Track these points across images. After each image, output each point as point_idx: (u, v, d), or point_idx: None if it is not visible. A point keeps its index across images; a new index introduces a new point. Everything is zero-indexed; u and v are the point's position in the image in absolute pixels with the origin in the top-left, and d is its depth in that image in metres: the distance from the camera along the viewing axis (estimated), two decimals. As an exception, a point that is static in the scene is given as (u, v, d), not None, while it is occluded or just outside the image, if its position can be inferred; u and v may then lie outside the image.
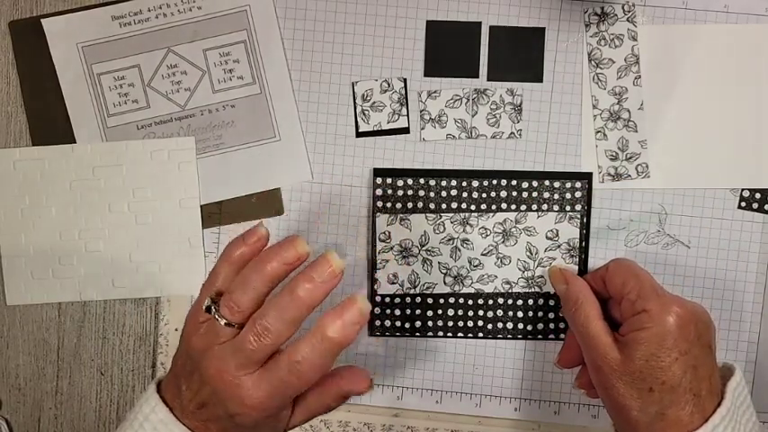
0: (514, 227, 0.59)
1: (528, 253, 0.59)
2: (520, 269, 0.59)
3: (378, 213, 0.59)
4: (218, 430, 0.51)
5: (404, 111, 0.60)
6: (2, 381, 0.62)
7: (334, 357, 0.47)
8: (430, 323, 0.60)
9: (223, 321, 0.48)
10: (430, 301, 0.60)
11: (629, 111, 0.59)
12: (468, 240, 0.59)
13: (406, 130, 0.60)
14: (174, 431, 0.51)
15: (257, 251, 0.51)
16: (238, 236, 0.51)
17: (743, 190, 0.59)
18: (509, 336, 0.60)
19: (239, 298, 0.48)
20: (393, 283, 0.59)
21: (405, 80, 0.59)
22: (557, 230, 0.59)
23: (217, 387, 0.48)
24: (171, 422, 0.51)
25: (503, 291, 0.59)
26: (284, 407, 0.50)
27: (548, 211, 0.59)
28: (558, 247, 0.59)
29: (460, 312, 0.60)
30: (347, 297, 0.47)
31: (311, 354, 0.46)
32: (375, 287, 0.59)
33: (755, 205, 0.59)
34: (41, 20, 0.59)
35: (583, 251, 0.59)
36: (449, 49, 0.59)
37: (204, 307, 0.50)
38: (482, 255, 0.59)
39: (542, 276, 0.59)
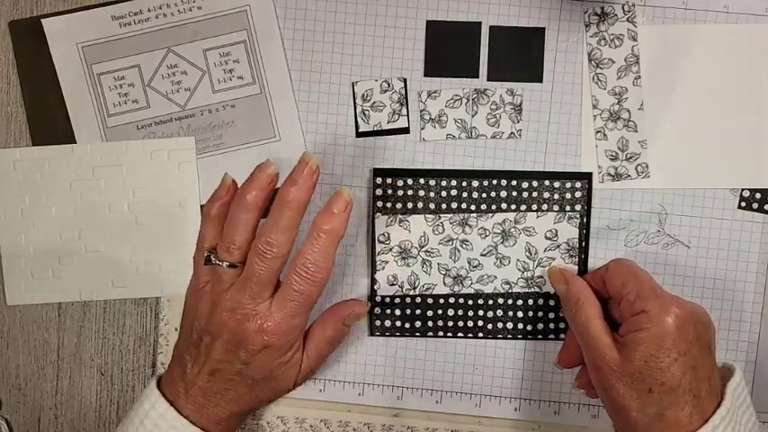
0: (513, 227, 0.59)
1: (527, 253, 0.59)
2: (519, 269, 0.59)
3: (377, 214, 0.59)
4: (228, 401, 0.53)
5: (404, 111, 0.59)
6: (2, 381, 0.62)
7: (334, 250, 0.51)
8: (430, 323, 0.60)
9: (225, 264, 0.52)
10: (430, 301, 0.60)
11: (629, 111, 0.59)
12: (467, 241, 0.59)
13: (406, 130, 0.60)
14: (176, 425, 0.51)
15: (231, 199, 0.54)
16: (211, 196, 0.55)
17: (743, 190, 0.59)
18: (509, 336, 0.60)
19: (232, 237, 0.52)
20: (393, 285, 0.59)
21: (405, 80, 0.59)
22: (556, 230, 0.59)
23: (231, 330, 0.51)
24: (172, 417, 0.51)
25: (502, 291, 0.59)
26: (302, 327, 0.53)
27: (547, 211, 0.59)
28: (558, 247, 0.59)
29: (460, 312, 0.60)
30: (335, 192, 0.52)
31: (314, 251, 0.51)
32: (375, 288, 0.59)
33: (755, 205, 0.59)
34: (41, 20, 0.59)
35: (582, 251, 0.59)
36: (449, 49, 0.59)
37: (204, 260, 0.53)
38: (481, 255, 0.59)
39: (542, 277, 0.59)
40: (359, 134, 0.60)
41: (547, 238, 0.59)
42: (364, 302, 0.59)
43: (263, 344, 0.51)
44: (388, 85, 0.59)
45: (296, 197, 0.51)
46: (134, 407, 0.53)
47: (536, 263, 0.59)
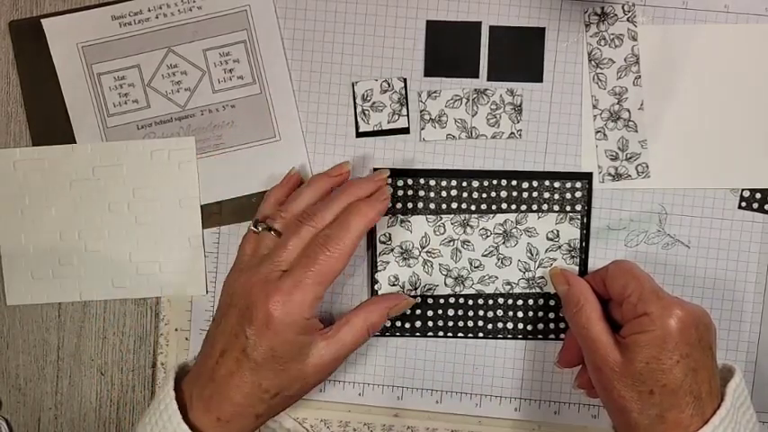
0: (515, 228, 0.59)
1: (528, 254, 0.59)
2: (520, 270, 0.59)
3: (378, 214, 0.59)
4: (233, 391, 0.51)
5: (404, 111, 0.59)
6: (2, 381, 0.62)
7: (360, 230, 0.52)
8: (430, 323, 0.60)
9: (263, 228, 0.55)
10: (430, 301, 0.60)
11: (629, 111, 0.59)
12: (468, 242, 0.59)
13: (406, 130, 0.60)
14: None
15: (293, 189, 0.57)
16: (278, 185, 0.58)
17: (743, 190, 0.59)
18: (509, 336, 0.60)
19: (289, 206, 0.55)
20: (394, 285, 0.59)
21: (405, 80, 0.59)
22: (557, 231, 0.59)
23: (245, 295, 0.52)
24: (177, 422, 0.51)
25: (503, 291, 0.59)
26: (312, 305, 0.52)
27: (548, 211, 0.59)
28: (559, 248, 0.59)
29: (460, 312, 0.60)
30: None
31: (340, 226, 0.52)
32: (376, 288, 0.59)
33: (755, 205, 0.59)
34: (41, 20, 0.59)
35: (583, 251, 0.59)
36: (449, 49, 0.59)
37: (251, 225, 0.55)
38: (483, 256, 0.59)
39: (543, 277, 0.59)
40: (359, 134, 0.60)
41: (548, 238, 0.59)
42: (410, 298, 0.58)
43: (267, 315, 0.50)
44: (388, 85, 0.59)
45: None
46: (153, 401, 0.53)
47: (537, 263, 0.59)
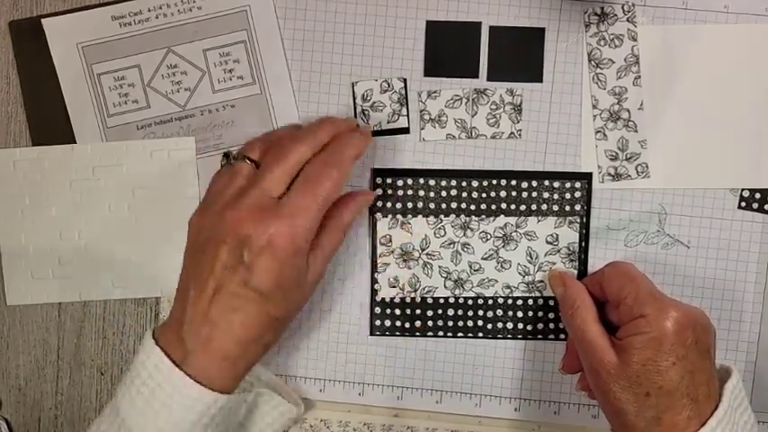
0: (515, 231, 0.59)
1: (528, 257, 0.59)
2: (520, 273, 0.59)
3: (377, 214, 0.59)
4: (237, 326, 0.49)
5: (404, 111, 0.59)
6: (2, 381, 0.62)
7: (352, 163, 0.52)
8: (430, 323, 0.60)
9: (249, 160, 0.52)
10: (430, 301, 0.60)
11: (629, 111, 0.59)
12: (468, 244, 0.59)
13: (406, 130, 0.60)
14: (170, 378, 0.48)
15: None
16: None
17: (743, 190, 0.59)
18: (509, 336, 0.60)
19: (264, 138, 0.56)
20: (393, 287, 0.59)
21: (405, 80, 0.59)
22: (556, 235, 0.59)
23: (234, 228, 0.49)
24: (166, 368, 0.49)
25: (503, 295, 0.59)
26: (312, 232, 0.50)
27: (547, 211, 0.59)
28: (558, 251, 0.59)
29: (460, 312, 0.60)
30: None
31: (335, 152, 0.51)
32: (376, 289, 0.59)
33: (755, 205, 0.59)
34: (41, 20, 0.59)
35: (583, 251, 0.59)
36: (449, 49, 0.59)
37: (221, 159, 0.54)
38: (482, 259, 0.59)
39: (542, 281, 0.59)
40: (359, 134, 0.60)
41: (548, 242, 0.59)
42: (372, 192, 0.58)
43: (270, 244, 0.48)
44: (388, 85, 0.59)
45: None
46: (132, 363, 0.51)
47: (537, 267, 0.59)
